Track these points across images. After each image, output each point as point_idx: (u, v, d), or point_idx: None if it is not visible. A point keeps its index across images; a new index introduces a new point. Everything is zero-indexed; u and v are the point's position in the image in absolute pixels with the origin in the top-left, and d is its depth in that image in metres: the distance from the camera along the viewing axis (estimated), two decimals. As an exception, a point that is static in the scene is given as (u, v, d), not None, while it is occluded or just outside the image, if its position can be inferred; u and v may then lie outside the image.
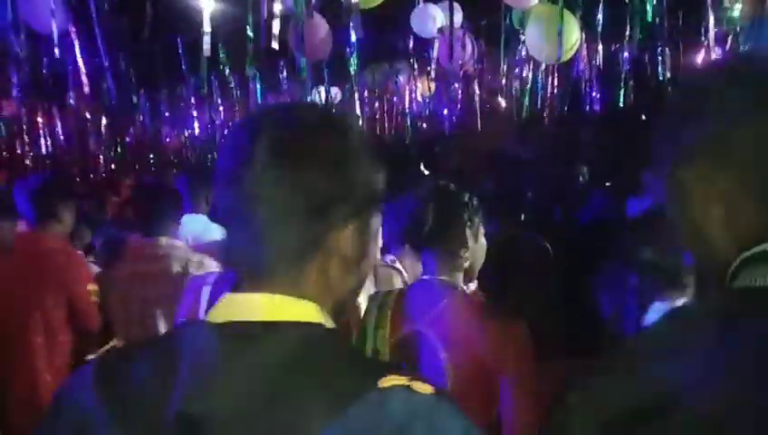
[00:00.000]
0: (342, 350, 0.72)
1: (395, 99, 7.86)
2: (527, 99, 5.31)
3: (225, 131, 7.19)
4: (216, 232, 2.75)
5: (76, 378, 0.73)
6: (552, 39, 4.01)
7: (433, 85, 6.02)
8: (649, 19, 4.06)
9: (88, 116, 6.51)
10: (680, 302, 1.35)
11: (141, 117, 6.77)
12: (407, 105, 7.46)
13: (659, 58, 4.34)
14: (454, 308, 1.57)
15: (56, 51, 3.39)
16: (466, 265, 1.67)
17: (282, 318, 0.69)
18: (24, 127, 6.42)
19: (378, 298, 1.73)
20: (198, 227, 2.89)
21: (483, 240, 1.73)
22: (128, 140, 7.61)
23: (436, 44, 5.13)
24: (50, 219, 2.62)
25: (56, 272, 2.58)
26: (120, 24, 4.18)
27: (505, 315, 1.59)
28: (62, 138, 6.88)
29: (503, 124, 6.88)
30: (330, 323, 0.72)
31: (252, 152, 0.69)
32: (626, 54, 4.76)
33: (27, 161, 6.82)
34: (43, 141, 6.73)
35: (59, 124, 6.73)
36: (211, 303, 1.65)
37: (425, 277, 1.67)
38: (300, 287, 0.71)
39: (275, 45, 3.39)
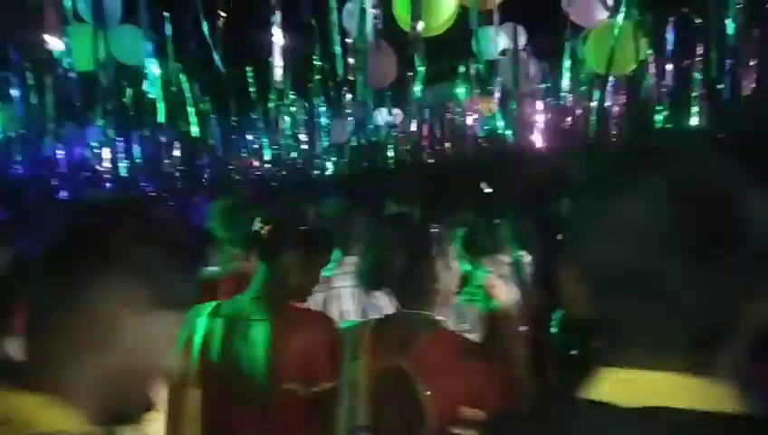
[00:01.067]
0: None
1: (456, 118, 7.87)
2: (594, 117, 5.21)
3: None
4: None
5: None
6: (614, 53, 3.94)
7: (495, 105, 6.00)
8: (727, 35, 3.92)
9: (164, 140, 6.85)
10: None
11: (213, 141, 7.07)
12: (468, 124, 7.46)
13: (731, 77, 4.18)
14: (436, 345, 1.52)
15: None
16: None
17: (713, 407, 0.56)
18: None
19: (352, 329, 1.66)
20: None
21: (455, 264, 1.65)
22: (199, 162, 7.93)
23: (499, 65, 5.12)
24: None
25: None
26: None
27: (489, 354, 1.54)
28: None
29: (568, 143, 6.76)
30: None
31: (655, 195, 0.55)
32: (695, 73, 4.61)
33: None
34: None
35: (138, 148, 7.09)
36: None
37: (403, 310, 1.60)
38: (709, 369, 0.57)
39: (351, 77, 3.43)
